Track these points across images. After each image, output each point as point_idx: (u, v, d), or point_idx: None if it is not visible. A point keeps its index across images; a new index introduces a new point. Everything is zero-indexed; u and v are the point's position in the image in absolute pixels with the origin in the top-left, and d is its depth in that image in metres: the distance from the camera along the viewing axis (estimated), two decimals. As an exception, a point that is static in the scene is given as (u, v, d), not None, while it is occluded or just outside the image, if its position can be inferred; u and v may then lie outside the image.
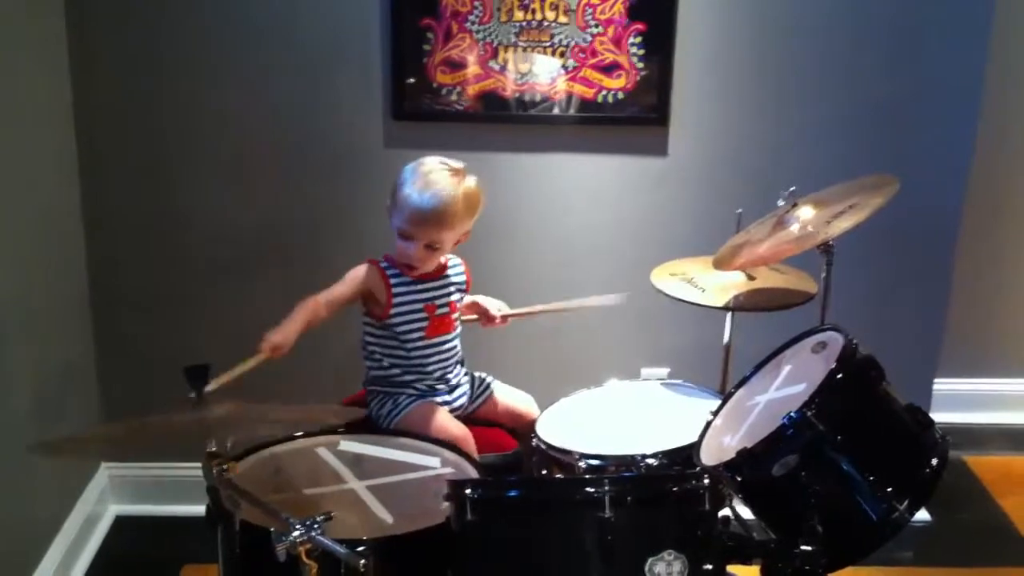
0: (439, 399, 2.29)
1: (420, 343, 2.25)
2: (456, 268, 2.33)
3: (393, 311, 2.23)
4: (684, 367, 2.74)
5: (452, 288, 2.31)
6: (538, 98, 2.71)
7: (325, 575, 1.51)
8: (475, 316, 2.43)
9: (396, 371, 2.27)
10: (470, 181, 2.21)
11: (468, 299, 2.40)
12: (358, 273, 2.25)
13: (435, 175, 2.17)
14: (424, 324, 2.25)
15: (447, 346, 2.29)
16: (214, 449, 1.62)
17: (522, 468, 2.25)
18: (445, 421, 2.24)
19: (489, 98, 2.71)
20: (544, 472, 2.14)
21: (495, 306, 2.42)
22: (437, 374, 2.29)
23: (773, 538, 1.79)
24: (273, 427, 1.99)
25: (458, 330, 2.33)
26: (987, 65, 2.76)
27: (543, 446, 2.14)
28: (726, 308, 2.42)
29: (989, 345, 3.57)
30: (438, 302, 2.27)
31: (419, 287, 2.25)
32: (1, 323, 2.30)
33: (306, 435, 2.06)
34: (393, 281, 2.23)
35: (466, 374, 2.38)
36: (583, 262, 2.87)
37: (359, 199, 2.78)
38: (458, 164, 2.22)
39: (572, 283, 2.87)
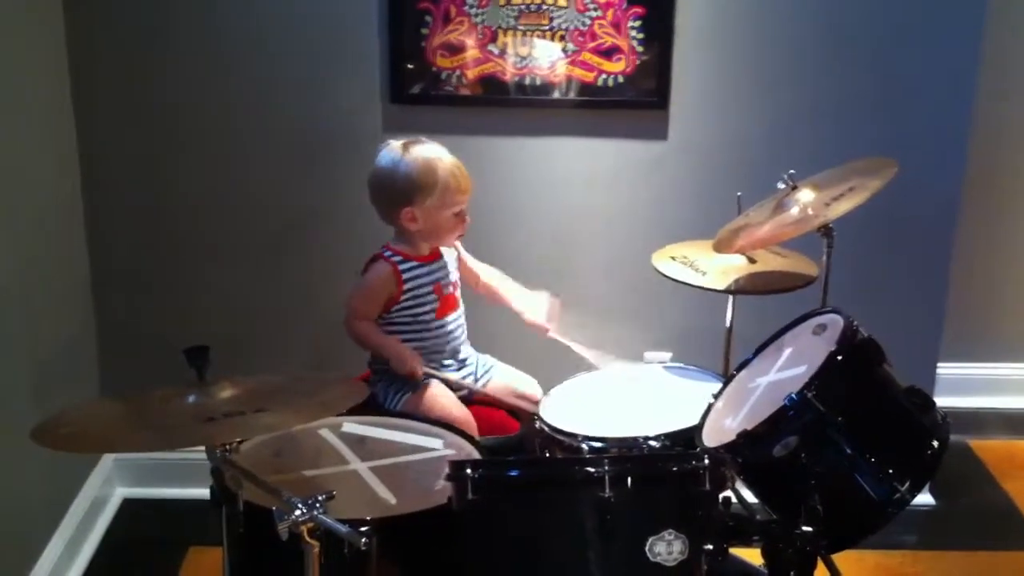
0: (448, 373, 2.33)
1: (432, 325, 2.30)
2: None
3: (405, 297, 2.26)
4: (686, 350, 2.73)
5: (451, 267, 2.36)
6: (538, 82, 2.71)
7: (328, 554, 1.52)
8: (524, 310, 2.43)
9: None
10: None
11: (516, 286, 2.43)
12: (377, 279, 2.26)
13: (421, 147, 2.24)
14: (435, 306, 2.30)
15: (456, 323, 2.35)
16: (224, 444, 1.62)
17: (524, 450, 2.26)
18: (448, 403, 2.27)
19: (488, 82, 2.70)
20: (547, 454, 2.15)
21: (549, 314, 2.41)
22: (448, 351, 2.33)
23: (774, 519, 1.80)
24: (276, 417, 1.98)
25: (462, 306, 2.37)
26: (984, 47, 2.75)
27: (546, 428, 2.14)
28: (727, 291, 2.42)
29: (992, 329, 3.56)
30: (443, 281, 2.32)
31: (426, 269, 2.29)
32: (1, 306, 2.30)
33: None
34: (402, 267, 2.27)
35: (471, 353, 2.41)
36: (583, 246, 2.87)
37: (357, 183, 2.75)
38: (403, 139, 2.28)
39: (572, 267, 2.88)
